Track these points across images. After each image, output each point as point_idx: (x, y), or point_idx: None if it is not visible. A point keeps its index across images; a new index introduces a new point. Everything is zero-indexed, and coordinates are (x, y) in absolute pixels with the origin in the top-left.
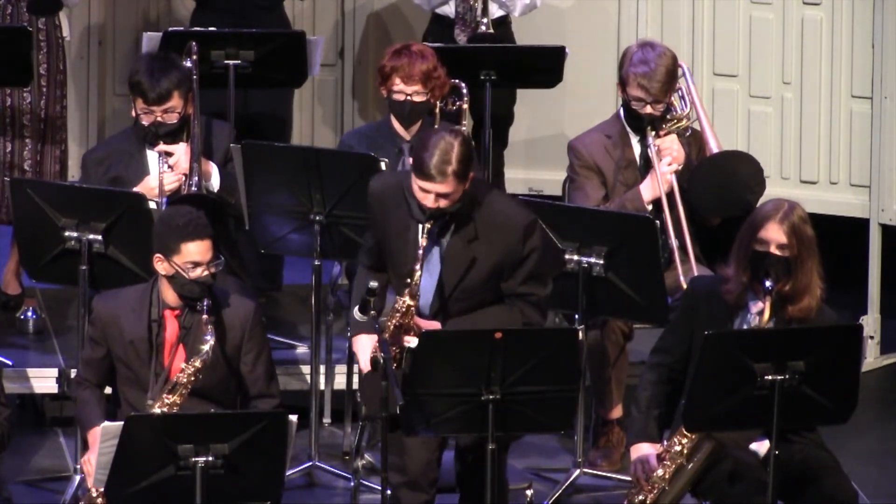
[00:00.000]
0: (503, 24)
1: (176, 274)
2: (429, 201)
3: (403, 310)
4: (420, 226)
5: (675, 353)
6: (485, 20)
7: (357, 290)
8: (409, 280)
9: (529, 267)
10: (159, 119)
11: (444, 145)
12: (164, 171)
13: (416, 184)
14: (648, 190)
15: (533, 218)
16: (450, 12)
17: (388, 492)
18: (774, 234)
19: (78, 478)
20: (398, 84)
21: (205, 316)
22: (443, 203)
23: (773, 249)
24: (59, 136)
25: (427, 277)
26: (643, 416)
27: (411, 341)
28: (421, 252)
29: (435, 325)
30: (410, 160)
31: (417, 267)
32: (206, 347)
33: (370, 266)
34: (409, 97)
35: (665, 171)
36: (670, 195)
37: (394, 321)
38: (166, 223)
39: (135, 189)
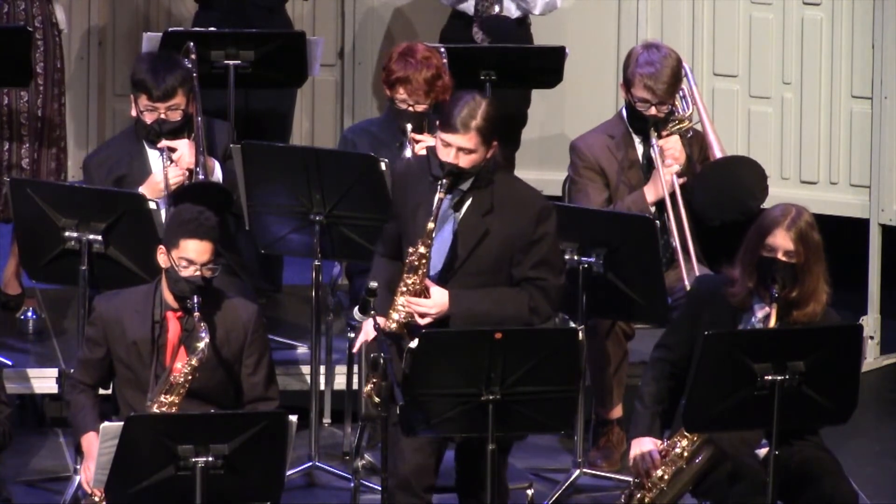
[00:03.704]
0: (522, 25)
1: (170, 268)
2: (449, 156)
3: (416, 262)
4: (438, 182)
5: (678, 352)
6: (497, 6)
7: (372, 274)
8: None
9: (540, 252)
10: (163, 116)
11: (473, 102)
12: (167, 166)
13: (440, 138)
14: (651, 192)
15: (549, 204)
16: (468, 9)
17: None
18: (782, 241)
19: (78, 478)
20: (401, 93)
21: (196, 314)
22: (463, 160)
23: (781, 256)
24: (57, 134)
25: (438, 249)
26: (647, 412)
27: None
28: (437, 201)
29: (443, 290)
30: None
31: (432, 219)
32: (201, 345)
33: (384, 254)
34: (411, 106)
35: (666, 172)
36: (672, 195)
37: (405, 282)
38: (175, 216)
39: (141, 187)
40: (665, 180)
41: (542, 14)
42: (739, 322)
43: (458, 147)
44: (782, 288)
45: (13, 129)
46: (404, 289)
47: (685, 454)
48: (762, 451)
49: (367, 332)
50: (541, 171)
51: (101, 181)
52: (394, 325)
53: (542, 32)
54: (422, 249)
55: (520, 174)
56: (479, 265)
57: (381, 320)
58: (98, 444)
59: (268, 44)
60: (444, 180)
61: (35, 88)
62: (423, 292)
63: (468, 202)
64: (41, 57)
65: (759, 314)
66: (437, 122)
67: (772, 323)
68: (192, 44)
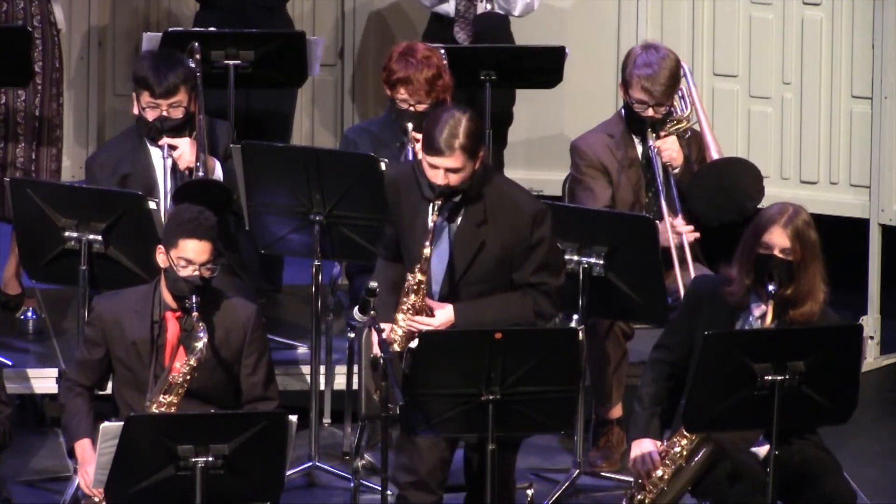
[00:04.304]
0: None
1: (169, 268)
2: (438, 178)
3: (415, 287)
4: (430, 204)
5: (677, 352)
6: (488, 4)
7: (375, 277)
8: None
9: (539, 256)
10: (165, 114)
11: (453, 121)
12: (167, 157)
13: (426, 160)
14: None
15: (543, 207)
16: (450, 11)
17: (390, 492)
18: (778, 239)
19: (78, 479)
20: (402, 93)
21: (194, 314)
22: (452, 179)
23: (777, 253)
24: (55, 134)
25: (437, 262)
26: (646, 413)
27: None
28: (431, 226)
29: (446, 307)
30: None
31: (427, 243)
32: (199, 345)
33: (387, 257)
34: (412, 106)
35: (677, 227)
36: (671, 196)
37: (406, 303)
38: (174, 216)
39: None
40: (674, 233)
41: (521, 16)
42: (737, 321)
43: (445, 168)
44: (779, 285)
45: (9, 129)
46: (406, 307)
47: (684, 453)
48: (761, 450)
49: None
50: (541, 171)
51: (105, 182)
52: (398, 341)
53: (543, 32)
54: (419, 277)
55: (520, 174)
56: (478, 275)
57: (385, 327)
58: (91, 451)
59: (268, 44)
60: (437, 202)
61: (33, 88)
62: (426, 310)
63: (462, 214)
64: (40, 56)
65: (756, 312)
66: (421, 145)
67: (768, 319)
68: (196, 44)
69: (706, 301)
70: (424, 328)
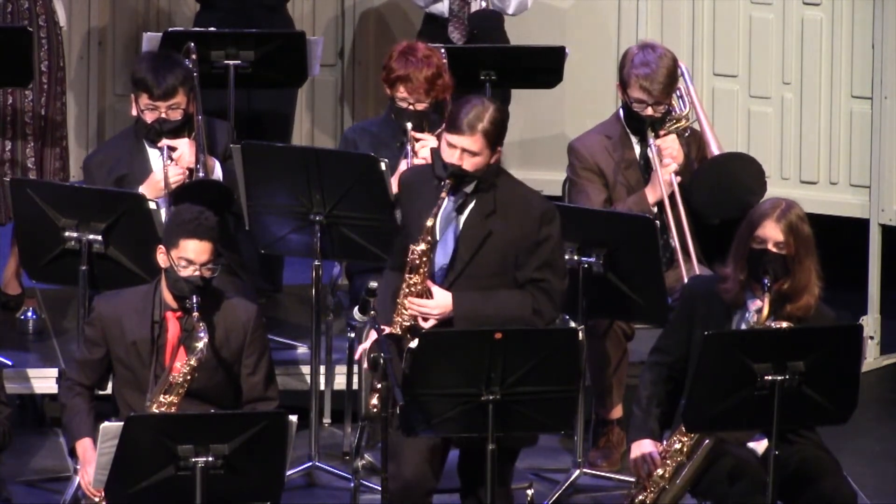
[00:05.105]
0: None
1: (169, 268)
2: (454, 157)
3: (416, 261)
4: (441, 183)
5: (674, 353)
6: (483, 2)
7: (381, 286)
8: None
9: (544, 254)
10: (164, 115)
11: (481, 106)
12: (168, 165)
13: (446, 139)
14: (652, 194)
15: (553, 206)
16: (444, 10)
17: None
18: (772, 233)
19: (78, 479)
20: (402, 92)
21: (195, 314)
22: (467, 162)
23: (771, 247)
24: (60, 133)
25: (441, 254)
26: (644, 414)
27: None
28: (439, 202)
29: (445, 292)
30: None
31: (431, 217)
32: (199, 345)
33: (394, 267)
34: (412, 105)
35: (664, 173)
36: (671, 196)
37: (407, 282)
38: (175, 216)
39: (141, 186)
40: (664, 180)
41: (515, 14)
42: (733, 318)
43: (462, 149)
44: (774, 279)
45: (17, 129)
46: (407, 290)
47: (685, 450)
48: (759, 446)
49: (370, 339)
50: (541, 170)
51: (102, 181)
52: (398, 328)
53: (542, 32)
54: (422, 247)
55: (520, 174)
56: (482, 268)
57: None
58: (93, 451)
59: (268, 44)
60: (447, 181)
61: (39, 87)
62: (426, 293)
63: (471, 205)
64: (46, 55)
65: (753, 308)
66: (444, 124)
67: (765, 314)
68: (192, 44)
69: (702, 300)
70: (423, 310)
